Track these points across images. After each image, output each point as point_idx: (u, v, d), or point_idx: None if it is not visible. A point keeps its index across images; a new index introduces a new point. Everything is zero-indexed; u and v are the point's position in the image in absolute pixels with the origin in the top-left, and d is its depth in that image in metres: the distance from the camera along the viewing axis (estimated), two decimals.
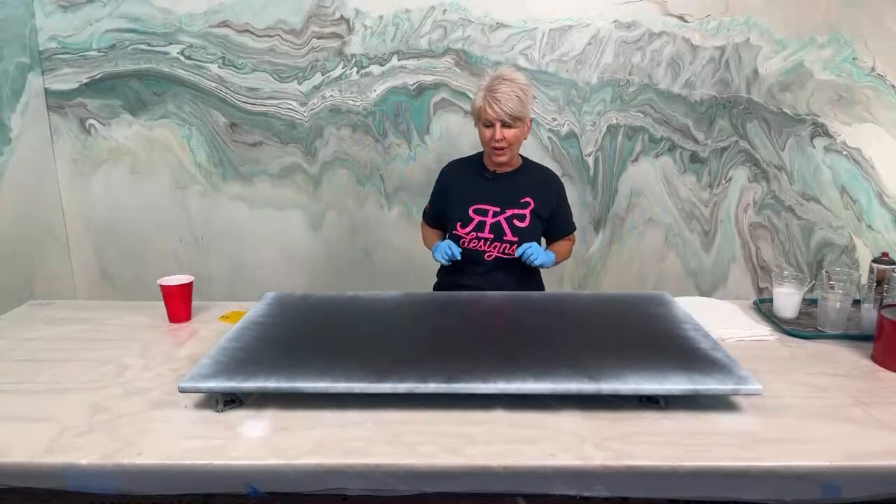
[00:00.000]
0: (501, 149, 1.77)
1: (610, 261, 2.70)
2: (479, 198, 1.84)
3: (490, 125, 1.74)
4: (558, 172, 2.60)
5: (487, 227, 1.81)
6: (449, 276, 1.92)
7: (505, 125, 1.73)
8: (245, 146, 2.57)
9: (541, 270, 1.96)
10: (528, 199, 1.84)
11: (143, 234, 2.65)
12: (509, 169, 1.87)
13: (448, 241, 1.80)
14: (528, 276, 1.91)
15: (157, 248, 2.67)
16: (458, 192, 1.87)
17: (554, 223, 1.93)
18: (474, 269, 1.85)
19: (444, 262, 1.80)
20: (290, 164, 2.58)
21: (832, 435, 1.03)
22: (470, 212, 1.82)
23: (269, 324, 1.41)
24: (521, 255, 1.77)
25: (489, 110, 1.71)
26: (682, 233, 2.66)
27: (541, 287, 1.98)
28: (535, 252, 1.76)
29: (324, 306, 1.55)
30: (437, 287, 1.99)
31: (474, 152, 1.98)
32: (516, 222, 1.82)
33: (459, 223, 1.83)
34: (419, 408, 1.12)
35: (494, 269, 1.84)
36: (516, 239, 1.81)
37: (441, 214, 1.93)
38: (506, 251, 1.82)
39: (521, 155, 1.91)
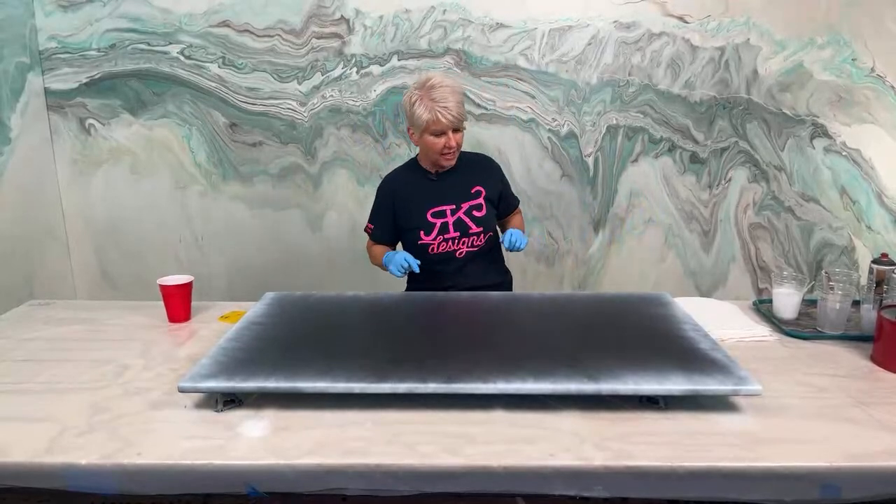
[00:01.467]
0: (453, 154, 1.77)
1: (610, 261, 2.70)
2: (433, 201, 1.82)
3: (441, 134, 1.72)
4: (558, 173, 2.61)
5: (451, 227, 1.81)
6: (422, 284, 1.87)
7: (455, 130, 1.73)
8: (245, 146, 2.57)
9: (504, 254, 1.96)
10: (478, 188, 1.85)
11: (143, 234, 2.65)
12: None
13: (403, 253, 1.75)
14: (495, 261, 1.95)
15: (157, 248, 2.67)
16: (408, 202, 1.85)
17: (504, 203, 1.95)
18: (447, 269, 1.84)
19: (399, 275, 1.73)
20: (290, 164, 2.58)
21: (832, 435, 1.03)
22: (428, 217, 1.81)
23: (269, 324, 1.41)
24: (508, 247, 1.77)
25: (442, 119, 1.68)
26: (681, 233, 2.66)
27: (505, 268, 1.98)
28: (518, 238, 1.76)
29: (324, 306, 1.55)
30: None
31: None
32: (475, 213, 1.83)
33: (422, 231, 1.81)
34: (419, 408, 1.12)
35: (466, 263, 1.85)
36: (481, 228, 1.83)
37: (392, 229, 1.89)
38: (474, 243, 1.84)
39: None
